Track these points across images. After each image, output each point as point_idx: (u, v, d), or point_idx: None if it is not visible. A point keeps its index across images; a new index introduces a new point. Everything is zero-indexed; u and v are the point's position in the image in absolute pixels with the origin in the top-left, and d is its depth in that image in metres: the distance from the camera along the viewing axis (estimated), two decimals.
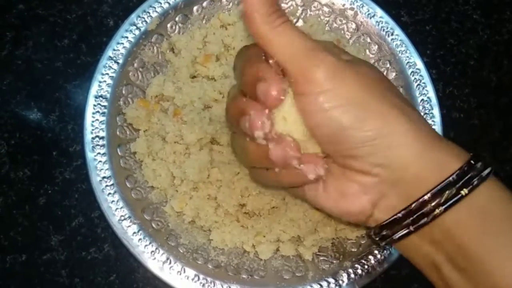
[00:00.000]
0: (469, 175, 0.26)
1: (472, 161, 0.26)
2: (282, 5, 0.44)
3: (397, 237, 0.28)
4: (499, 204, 0.26)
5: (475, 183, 0.26)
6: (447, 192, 0.26)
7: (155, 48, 0.41)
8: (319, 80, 0.26)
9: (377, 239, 0.29)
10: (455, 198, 0.25)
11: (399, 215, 0.27)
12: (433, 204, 0.26)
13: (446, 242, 0.26)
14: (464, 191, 0.25)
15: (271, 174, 0.30)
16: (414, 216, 0.26)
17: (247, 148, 0.30)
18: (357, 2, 0.43)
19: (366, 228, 0.31)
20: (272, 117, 0.28)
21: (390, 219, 0.27)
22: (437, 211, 0.26)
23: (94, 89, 0.39)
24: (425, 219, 0.26)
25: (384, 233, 0.28)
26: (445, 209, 0.26)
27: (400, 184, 0.27)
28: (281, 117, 0.28)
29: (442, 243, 0.26)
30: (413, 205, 0.26)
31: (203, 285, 0.35)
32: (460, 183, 0.26)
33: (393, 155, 0.26)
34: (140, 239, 0.36)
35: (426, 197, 0.26)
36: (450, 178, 0.26)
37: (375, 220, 0.29)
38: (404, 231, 0.27)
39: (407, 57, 0.42)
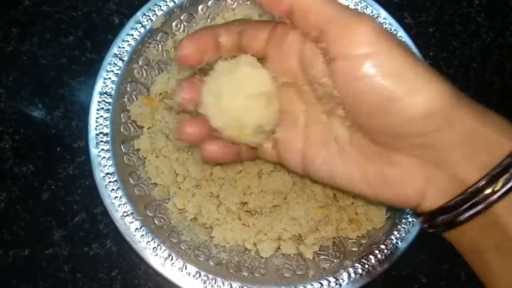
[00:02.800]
0: None
1: None
2: None
3: (450, 224, 0.25)
4: None
5: None
6: (502, 178, 0.23)
7: (160, 46, 0.41)
8: (367, 40, 0.23)
9: (427, 226, 0.27)
10: (510, 185, 0.23)
11: (452, 202, 0.25)
12: (486, 191, 0.24)
13: (495, 229, 0.24)
14: None
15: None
16: (467, 205, 0.24)
17: None
18: (361, 3, 0.43)
19: (414, 214, 0.29)
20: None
21: (443, 207, 0.25)
22: (492, 198, 0.23)
23: (98, 86, 0.39)
24: (480, 206, 0.24)
25: (435, 221, 0.26)
26: (500, 197, 0.23)
27: (447, 165, 0.25)
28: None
29: (491, 229, 0.24)
30: (467, 192, 0.24)
31: (204, 282, 0.36)
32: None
33: (443, 135, 0.24)
34: (142, 235, 0.36)
35: (479, 184, 0.24)
36: (505, 162, 0.23)
37: (424, 209, 0.26)
38: (458, 219, 0.25)
39: None
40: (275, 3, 0.26)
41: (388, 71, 0.23)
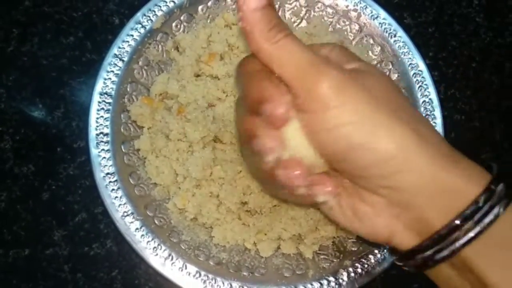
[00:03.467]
0: (489, 204, 0.24)
1: (492, 186, 0.24)
2: (286, 5, 0.44)
3: (420, 265, 0.26)
4: None
5: (496, 212, 0.24)
6: (466, 225, 0.24)
7: (160, 46, 0.41)
8: (323, 97, 0.24)
9: (399, 264, 0.28)
10: (476, 231, 0.24)
11: (419, 247, 0.26)
12: (452, 237, 0.24)
13: (467, 272, 0.25)
14: (484, 224, 0.24)
15: (280, 192, 0.29)
16: (433, 250, 0.25)
17: (259, 167, 0.28)
18: (360, 3, 0.43)
19: (388, 251, 0.30)
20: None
21: (410, 251, 0.26)
22: (456, 245, 0.24)
23: (99, 86, 0.39)
24: (445, 252, 0.25)
25: (406, 262, 0.27)
26: (464, 244, 0.24)
27: (412, 208, 0.25)
28: (287, 137, 0.27)
29: (462, 271, 0.25)
30: (431, 238, 0.25)
31: (204, 281, 0.36)
32: (480, 214, 0.24)
33: (403, 178, 0.25)
34: (142, 235, 0.36)
35: (444, 231, 0.24)
36: (468, 210, 0.24)
37: (395, 245, 0.27)
38: (428, 262, 0.26)
39: (410, 58, 0.42)
40: (253, 51, 0.27)
41: (346, 122, 0.24)
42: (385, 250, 0.37)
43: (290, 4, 0.44)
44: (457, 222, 0.24)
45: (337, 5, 0.43)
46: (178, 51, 0.42)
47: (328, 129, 0.25)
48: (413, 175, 0.24)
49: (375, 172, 0.25)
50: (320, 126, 0.25)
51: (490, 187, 0.24)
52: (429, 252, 0.25)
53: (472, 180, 0.25)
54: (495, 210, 0.24)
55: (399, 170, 0.25)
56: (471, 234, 0.24)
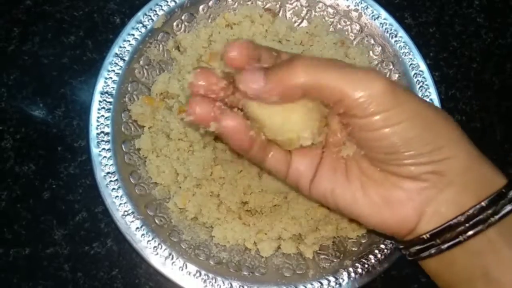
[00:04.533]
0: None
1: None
2: (287, 5, 0.44)
3: (446, 246, 0.27)
4: None
5: None
6: (500, 203, 0.27)
7: (161, 46, 0.42)
8: (382, 99, 0.26)
9: (415, 251, 0.29)
10: (507, 209, 0.26)
11: (455, 221, 0.27)
12: (486, 213, 0.26)
13: (488, 254, 0.27)
14: (510, 207, 0.27)
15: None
16: (471, 223, 0.27)
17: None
18: (361, 3, 0.43)
19: (399, 242, 0.30)
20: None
21: (442, 226, 0.27)
22: (492, 219, 0.26)
23: (99, 86, 0.39)
24: (481, 226, 0.26)
25: (431, 242, 0.28)
26: (500, 218, 0.26)
27: (449, 189, 0.27)
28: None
29: (483, 254, 0.27)
30: (468, 212, 0.27)
31: (205, 281, 0.36)
32: (507, 199, 0.27)
33: (447, 164, 0.27)
34: (143, 234, 0.36)
35: (480, 206, 0.27)
36: (500, 191, 0.27)
37: (418, 233, 0.28)
38: (455, 240, 0.27)
39: (410, 59, 0.42)
40: (288, 97, 0.27)
41: (400, 120, 0.26)
42: (385, 250, 0.37)
43: (291, 4, 0.44)
44: (491, 199, 0.27)
45: (338, 5, 0.43)
46: (179, 50, 0.42)
47: (386, 127, 0.26)
48: (458, 161, 0.27)
49: (423, 160, 0.27)
50: (374, 127, 0.27)
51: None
52: (462, 228, 0.27)
53: (498, 174, 0.28)
54: None
55: (447, 157, 0.27)
56: (504, 211, 0.26)
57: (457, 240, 0.27)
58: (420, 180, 0.28)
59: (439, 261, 0.28)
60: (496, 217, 0.26)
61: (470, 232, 0.26)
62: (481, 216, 0.26)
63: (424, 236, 0.28)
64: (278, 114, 0.28)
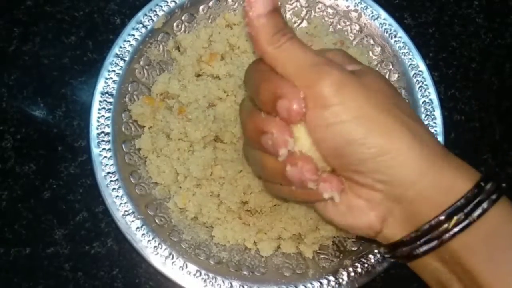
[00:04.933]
0: (478, 199, 0.25)
1: (481, 183, 0.26)
2: (287, 6, 0.44)
3: (408, 256, 0.27)
4: (508, 229, 0.25)
5: (485, 207, 0.25)
6: (455, 217, 0.25)
7: (161, 46, 0.42)
8: (324, 94, 0.26)
9: (387, 256, 0.29)
10: (464, 224, 0.25)
11: (408, 238, 0.27)
12: (440, 229, 0.25)
13: (454, 264, 0.26)
14: (473, 217, 0.25)
15: (285, 190, 0.30)
16: (422, 240, 0.26)
17: (266, 164, 0.29)
18: (361, 4, 0.43)
19: (375, 243, 0.31)
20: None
21: (399, 241, 0.27)
22: (446, 236, 0.25)
23: (100, 86, 0.39)
24: (434, 243, 0.26)
25: (395, 252, 0.28)
26: (453, 235, 0.25)
27: (404, 201, 0.27)
28: (296, 135, 0.28)
29: (450, 263, 0.26)
30: (421, 229, 0.26)
31: (205, 280, 0.36)
32: (469, 207, 0.25)
33: (397, 172, 0.26)
34: (143, 234, 0.36)
35: (433, 222, 0.26)
36: (458, 203, 0.25)
37: (384, 236, 0.29)
38: (415, 252, 0.27)
39: (410, 59, 0.42)
40: (253, 41, 0.27)
41: (345, 119, 0.26)
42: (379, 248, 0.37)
43: (291, 4, 0.44)
44: (447, 213, 0.25)
45: (337, 5, 0.44)
46: (179, 51, 0.42)
47: (328, 125, 0.26)
48: (405, 170, 0.26)
49: (370, 166, 0.26)
50: (320, 122, 0.26)
51: (479, 184, 0.26)
52: (418, 242, 0.26)
53: (463, 177, 0.26)
54: (484, 205, 0.25)
55: (392, 165, 0.26)
56: (460, 226, 0.25)
57: (415, 252, 0.27)
58: (375, 190, 0.27)
59: (413, 263, 0.28)
60: (451, 233, 0.25)
61: (425, 248, 0.26)
62: (434, 234, 0.26)
63: (385, 248, 0.29)
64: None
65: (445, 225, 0.25)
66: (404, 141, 0.26)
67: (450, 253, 0.26)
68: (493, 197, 0.25)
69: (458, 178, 0.26)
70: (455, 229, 0.25)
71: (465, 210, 0.25)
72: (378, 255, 0.37)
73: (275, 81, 0.27)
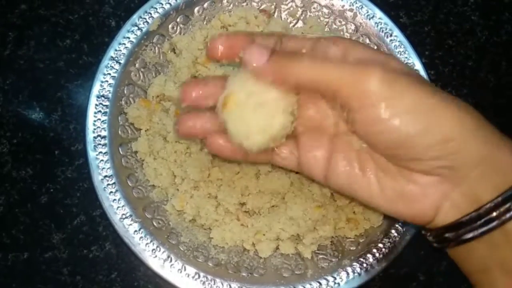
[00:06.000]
0: None
1: None
2: (282, 6, 0.44)
3: (461, 239, 0.27)
4: None
5: None
6: None
7: (156, 48, 0.42)
8: (374, 91, 0.26)
9: (435, 241, 0.29)
10: None
11: (467, 217, 0.26)
12: (502, 208, 0.25)
13: (505, 246, 0.26)
14: None
15: None
16: (483, 220, 0.26)
17: None
18: (356, 3, 0.43)
19: (422, 229, 0.30)
20: None
21: (457, 222, 0.27)
22: (507, 215, 0.25)
23: (96, 89, 0.39)
24: (495, 222, 0.26)
25: (446, 235, 0.28)
26: None
27: (465, 183, 0.26)
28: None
29: (500, 246, 0.26)
30: (483, 208, 0.26)
31: (204, 283, 0.36)
32: None
33: (460, 158, 0.26)
34: (141, 237, 0.36)
35: (495, 201, 0.25)
36: None
37: (436, 224, 0.28)
38: (470, 235, 0.26)
39: (406, 58, 0.42)
40: (281, 82, 0.28)
41: (401, 112, 0.26)
42: (383, 249, 0.37)
43: (286, 4, 0.44)
44: (508, 194, 0.25)
45: (333, 5, 0.44)
46: (174, 53, 0.42)
47: (384, 120, 0.26)
48: (469, 154, 0.26)
49: (433, 154, 0.26)
50: (377, 117, 0.26)
51: None
52: (479, 222, 0.26)
53: None
54: None
55: (457, 151, 0.26)
56: None
57: (471, 235, 0.26)
58: (433, 174, 0.27)
59: (457, 250, 0.28)
60: (511, 213, 0.25)
61: (484, 228, 0.26)
62: (494, 213, 0.25)
63: (439, 230, 0.28)
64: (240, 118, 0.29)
65: (507, 205, 0.25)
66: (466, 127, 0.26)
67: (504, 235, 0.26)
68: None
69: None
70: None
71: None
72: (377, 255, 0.37)
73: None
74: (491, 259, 0.26)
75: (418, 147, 0.26)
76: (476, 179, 0.26)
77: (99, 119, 0.38)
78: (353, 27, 0.44)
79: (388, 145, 0.27)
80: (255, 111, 0.28)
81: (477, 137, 0.26)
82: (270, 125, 0.29)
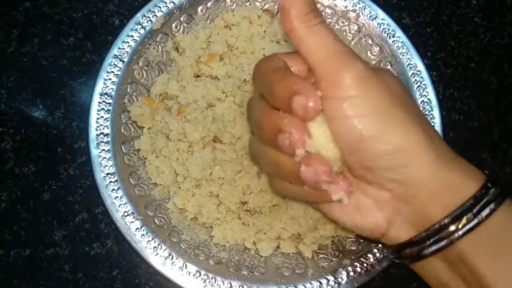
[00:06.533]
0: (485, 199, 0.26)
1: (488, 184, 0.26)
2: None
3: (416, 256, 0.27)
4: None
5: (492, 207, 0.25)
6: (465, 217, 0.25)
7: (159, 47, 0.42)
8: (347, 84, 0.26)
9: (392, 257, 0.29)
10: (473, 223, 0.25)
11: (418, 237, 0.27)
12: (450, 228, 0.26)
13: (460, 264, 0.26)
14: (481, 217, 0.25)
15: (295, 189, 0.29)
16: (431, 240, 0.26)
17: (279, 163, 0.29)
18: (359, 4, 0.43)
19: (381, 244, 0.31)
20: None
21: (407, 241, 0.27)
22: (455, 235, 0.26)
23: (99, 87, 0.39)
24: (443, 242, 0.26)
25: (400, 253, 0.28)
26: (462, 235, 0.26)
27: (414, 202, 0.27)
28: (312, 132, 0.27)
29: (455, 264, 0.26)
30: (431, 229, 0.26)
31: (204, 281, 0.36)
32: (477, 207, 0.25)
33: (410, 172, 0.26)
34: (142, 234, 0.36)
35: (443, 222, 0.26)
36: (467, 203, 0.26)
37: (390, 238, 0.29)
38: (423, 252, 0.27)
39: (408, 59, 0.42)
40: (287, 31, 0.27)
41: (364, 112, 0.26)
42: (384, 249, 0.37)
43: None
44: (457, 213, 0.26)
45: (336, 5, 0.44)
46: (178, 51, 0.42)
47: (345, 117, 0.26)
48: (419, 170, 0.26)
49: (384, 164, 0.26)
50: (338, 114, 0.26)
51: (486, 185, 0.26)
52: (428, 242, 0.26)
53: (471, 179, 0.27)
54: (491, 205, 0.26)
55: (407, 164, 0.26)
56: (469, 225, 0.25)
57: (424, 252, 0.27)
58: (386, 189, 0.27)
59: (417, 265, 0.28)
60: (458, 234, 0.25)
61: (434, 247, 0.26)
62: (442, 233, 0.26)
63: (391, 249, 0.29)
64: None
65: (455, 225, 0.26)
66: (419, 141, 0.26)
67: (457, 254, 0.26)
68: (500, 198, 0.26)
69: (466, 179, 0.26)
70: (465, 228, 0.25)
71: (474, 210, 0.25)
72: (378, 255, 0.37)
73: (291, 78, 0.27)
74: (450, 274, 0.27)
75: (371, 151, 0.26)
76: (426, 198, 0.26)
77: (102, 117, 0.39)
78: (356, 27, 0.44)
79: (348, 147, 0.27)
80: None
81: (429, 153, 0.26)
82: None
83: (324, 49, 0.26)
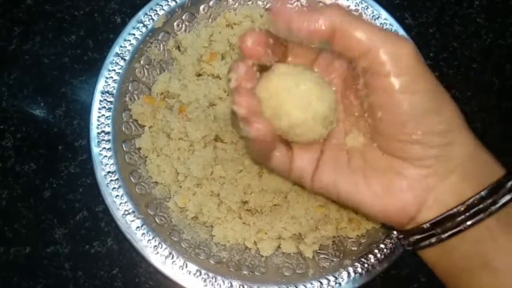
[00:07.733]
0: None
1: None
2: (288, 5, 0.44)
3: (446, 235, 0.27)
4: None
5: None
6: (500, 191, 0.26)
7: (161, 45, 0.42)
8: (407, 62, 0.26)
9: (414, 240, 0.29)
10: (508, 198, 0.26)
11: (454, 210, 0.27)
12: (489, 200, 0.26)
13: (489, 242, 0.26)
14: (509, 197, 0.26)
15: (250, 143, 0.29)
16: (471, 211, 0.26)
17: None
18: (361, 4, 0.43)
19: (401, 231, 0.30)
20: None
21: (443, 216, 0.27)
22: (493, 208, 0.26)
23: (100, 85, 0.39)
24: (482, 214, 0.26)
25: (432, 232, 0.28)
26: (500, 207, 0.26)
27: (451, 178, 0.27)
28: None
29: (484, 242, 0.27)
30: (470, 200, 0.27)
31: (205, 280, 0.36)
32: (507, 187, 0.27)
33: (453, 150, 0.27)
34: (143, 233, 0.36)
35: (483, 194, 0.26)
36: (503, 179, 0.27)
37: (418, 221, 0.28)
38: (456, 229, 0.27)
39: None
40: (315, 31, 0.27)
41: (421, 89, 0.26)
42: (385, 250, 0.37)
43: (292, 4, 0.44)
44: (493, 187, 0.27)
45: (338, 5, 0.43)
46: (179, 50, 0.42)
47: (409, 92, 0.26)
48: (464, 148, 0.27)
49: (433, 139, 0.27)
50: (400, 90, 0.26)
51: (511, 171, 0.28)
52: (462, 217, 0.27)
53: (497, 163, 0.28)
54: None
55: (453, 142, 0.27)
56: (506, 198, 0.26)
57: (457, 229, 0.27)
58: (423, 166, 0.27)
59: (438, 250, 0.28)
60: (496, 206, 0.26)
61: (470, 222, 0.26)
62: (481, 206, 0.26)
63: (425, 226, 0.28)
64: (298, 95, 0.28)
65: (493, 197, 0.26)
66: (463, 122, 0.28)
67: (489, 230, 0.26)
68: None
69: (495, 164, 0.28)
70: (502, 200, 0.26)
71: (507, 186, 0.27)
72: (379, 255, 0.37)
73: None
74: (473, 257, 0.27)
75: (424, 127, 0.26)
76: (461, 175, 0.27)
77: (103, 115, 0.39)
78: None
79: (396, 119, 0.27)
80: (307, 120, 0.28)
81: (469, 133, 0.28)
82: (309, 104, 0.28)
83: (374, 33, 0.26)
